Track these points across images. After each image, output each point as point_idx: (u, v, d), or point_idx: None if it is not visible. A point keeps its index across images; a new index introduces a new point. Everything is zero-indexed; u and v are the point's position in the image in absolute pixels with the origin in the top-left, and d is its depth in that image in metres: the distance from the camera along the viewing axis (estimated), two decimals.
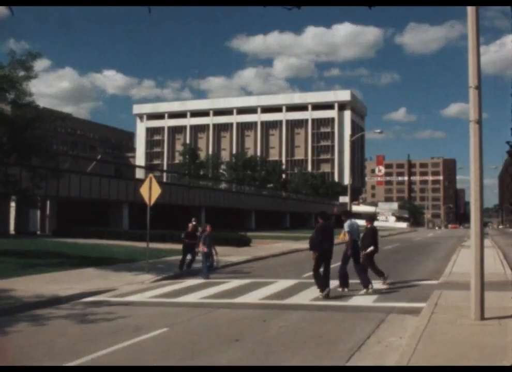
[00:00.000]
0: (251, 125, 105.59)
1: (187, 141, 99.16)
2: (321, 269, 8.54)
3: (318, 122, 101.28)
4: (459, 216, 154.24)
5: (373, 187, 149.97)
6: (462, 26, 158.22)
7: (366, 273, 9.14)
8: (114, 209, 32.80)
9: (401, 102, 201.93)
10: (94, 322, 6.63)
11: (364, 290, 8.91)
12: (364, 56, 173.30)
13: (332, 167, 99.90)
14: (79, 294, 8.59)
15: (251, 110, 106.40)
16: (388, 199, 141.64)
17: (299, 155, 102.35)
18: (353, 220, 9.51)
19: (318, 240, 8.50)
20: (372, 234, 9.82)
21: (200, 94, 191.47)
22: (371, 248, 9.65)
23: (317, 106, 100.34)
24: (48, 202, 29.15)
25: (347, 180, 76.38)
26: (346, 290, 9.13)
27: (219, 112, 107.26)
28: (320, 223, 8.74)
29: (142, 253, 14.07)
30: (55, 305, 7.78)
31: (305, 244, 21.48)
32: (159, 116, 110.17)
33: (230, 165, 73.39)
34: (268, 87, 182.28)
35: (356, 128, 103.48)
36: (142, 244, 15.63)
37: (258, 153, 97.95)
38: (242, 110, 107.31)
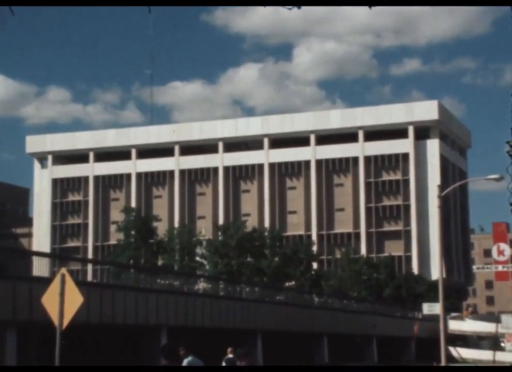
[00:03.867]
0: (251, 172, 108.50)
1: (133, 204, 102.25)
2: None
3: (377, 163, 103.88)
4: None
5: (489, 285, 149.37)
6: None
7: None
8: None
9: None
10: None
11: None
12: (469, 32, 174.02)
13: (407, 248, 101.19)
14: None
15: (252, 143, 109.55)
16: None
17: (342, 225, 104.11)
18: (195, 358, 10.94)
19: None
20: None
21: (158, 115, 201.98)
22: None
23: (374, 134, 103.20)
24: None
25: (436, 272, 74.11)
26: None
27: (191, 148, 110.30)
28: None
29: None
30: None
31: None
32: (78, 157, 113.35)
33: (214, 245, 74.55)
34: (284, 99, 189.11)
35: (452, 172, 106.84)
36: None
37: (267, 224, 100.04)
38: (234, 144, 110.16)
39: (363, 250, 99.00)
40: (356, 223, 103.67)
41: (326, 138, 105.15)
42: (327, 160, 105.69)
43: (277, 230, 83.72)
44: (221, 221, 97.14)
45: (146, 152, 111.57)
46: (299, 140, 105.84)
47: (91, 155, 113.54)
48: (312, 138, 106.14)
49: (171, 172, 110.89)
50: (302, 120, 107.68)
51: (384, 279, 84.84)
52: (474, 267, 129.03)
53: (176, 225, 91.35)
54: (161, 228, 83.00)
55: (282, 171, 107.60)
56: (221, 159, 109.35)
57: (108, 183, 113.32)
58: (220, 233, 77.24)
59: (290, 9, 6.58)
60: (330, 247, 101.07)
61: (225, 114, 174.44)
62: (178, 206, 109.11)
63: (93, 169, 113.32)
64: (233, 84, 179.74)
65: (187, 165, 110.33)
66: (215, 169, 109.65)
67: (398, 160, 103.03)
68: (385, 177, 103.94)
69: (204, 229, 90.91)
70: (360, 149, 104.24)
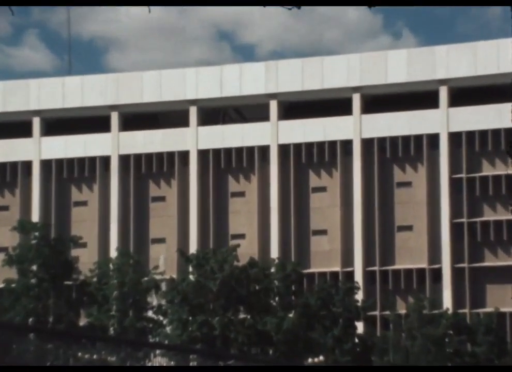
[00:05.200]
0: (248, 160, 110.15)
1: (35, 217, 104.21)
2: None
3: (473, 145, 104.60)
4: None
5: None
6: None
7: None
8: None
9: None
10: None
11: None
12: None
13: None
14: None
15: (249, 109, 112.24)
16: None
17: (409, 256, 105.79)
18: None
19: None
20: None
21: (80, 56, 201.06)
22: None
23: (469, 93, 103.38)
24: None
25: None
26: None
27: (141, 117, 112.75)
28: None
29: None
30: None
31: None
32: None
33: (181, 290, 75.20)
34: (306, 31, 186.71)
35: None
36: None
37: (274, 252, 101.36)
38: (218, 111, 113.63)
39: (447, 301, 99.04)
40: (434, 253, 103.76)
41: (380, 100, 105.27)
42: (381, 140, 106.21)
43: (293, 264, 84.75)
44: (192, 247, 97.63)
45: (60, 123, 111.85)
46: (332, 104, 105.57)
47: None
48: (356, 100, 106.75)
49: (105, 160, 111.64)
50: (338, 68, 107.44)
51: (486, 354, 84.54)
52: None
53: (113, 253, 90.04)
54: (86, 258, 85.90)
55: (302, 160, 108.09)
56: (194, 138, 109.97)
57: None
58: (191, 269, 78.36)
59: (290, 8, 11.24)
60: (388, 295, 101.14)
61: (202, 58, 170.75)
62: (116, 219, 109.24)
63: None
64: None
65: (134, 147, 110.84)
66: (184, 155, 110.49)
67: None
68: (488, 171, 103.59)
69: (164, 261, 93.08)
70: (442, 120, 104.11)
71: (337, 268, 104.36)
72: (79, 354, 48.86)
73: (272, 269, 79.91)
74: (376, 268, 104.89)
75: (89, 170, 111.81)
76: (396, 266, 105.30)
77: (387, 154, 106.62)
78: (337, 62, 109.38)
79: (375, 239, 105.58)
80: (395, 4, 12.12)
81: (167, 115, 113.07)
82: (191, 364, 55.13)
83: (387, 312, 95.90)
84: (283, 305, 77.61)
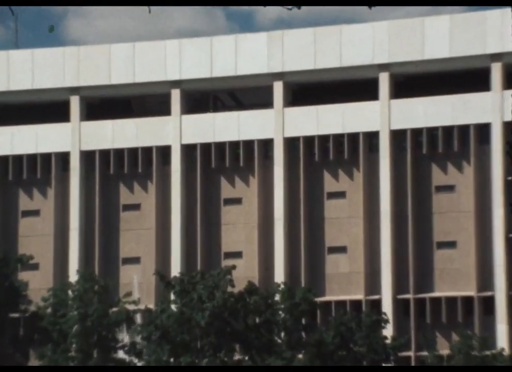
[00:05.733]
0: (246, 157, 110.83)
1: None
2: None
3: None
4: None
5: None
6: None
7: None
8: None
9: None
10: None
11: None
12: None
13: None
14: None
15: (246, 92, 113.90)
16: None
17: (451, 281, 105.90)
18: None
19: None
20: None
21: (29, 27, 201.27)
22: None
23: None
24: None
25: None
26: None
27: (110, 103, 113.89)
28: None
29: None
30: None
31: None
32: None
33: (160, 325, 76.19)
34: None
35: None
36: None
37: (279, 276, 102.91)
38: (207, 95, 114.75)
39: (502, 338, 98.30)
40: (484, 277, 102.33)
41: (415, 81, 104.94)
42: (416, 132, 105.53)
43: (303, 290, 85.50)
44: (175, 269, 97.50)
45: (4, 111, 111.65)
46: (353, 86, 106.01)
47: None
48: (384, 81, 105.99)
49: (64, 157, 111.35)
50: (361, 41, 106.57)
51: None
52: None
53: (74, 276, 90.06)
54: (38, 283, 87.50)
55: (315, 158, 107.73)
56: (177, 130, 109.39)
57: None
58: (173, 296, 79.65)
59: (290, 9, 15.67)
60: (425, 331, 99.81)
61: (188, 27, 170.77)
62: (77, 234, 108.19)
63: None
64: None
65: (100, 141, 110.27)
66: (164, 151, 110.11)
67: None
68: None
69: (138, 287, 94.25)
70: (494, 106, 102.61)
71: (359, 296, 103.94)
72: None
73: (277, 297, 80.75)
74: (409, 296, 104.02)
75: (43, 170, 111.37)
76: (435, 294, 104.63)
77: (423, 150, 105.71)
78: (360, 33, 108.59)
79: (408, 259, 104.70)
80: (396, 4, 14.88)
81: (143, 101, 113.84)
82: None
83: (424, 353, 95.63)
84: (291, 342, 78.69)
